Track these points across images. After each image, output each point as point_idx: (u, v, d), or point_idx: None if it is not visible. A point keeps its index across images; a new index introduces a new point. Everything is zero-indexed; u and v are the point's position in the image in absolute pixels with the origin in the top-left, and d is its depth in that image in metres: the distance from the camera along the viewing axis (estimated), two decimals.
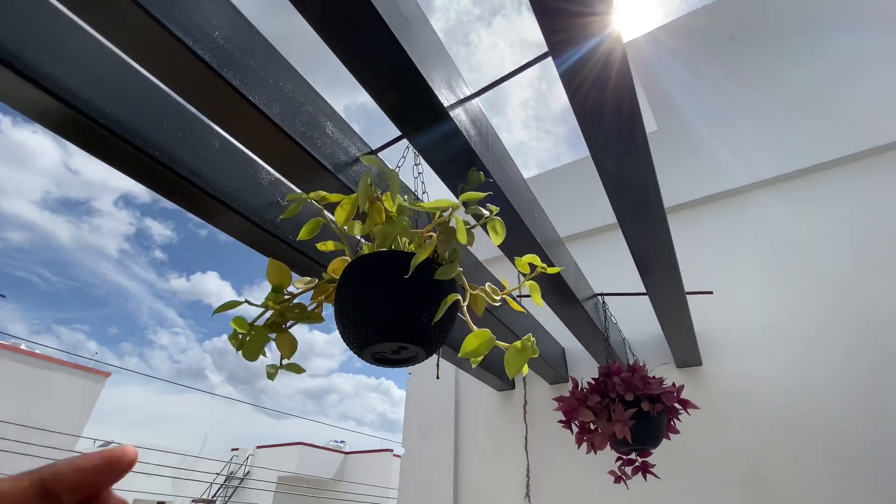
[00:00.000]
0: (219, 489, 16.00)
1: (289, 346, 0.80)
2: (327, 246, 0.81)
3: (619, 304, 2.15)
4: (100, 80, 0.87)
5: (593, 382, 1.63)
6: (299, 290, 0.83)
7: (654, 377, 1.56)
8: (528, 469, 2.44)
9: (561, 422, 1.66)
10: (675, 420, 1.59)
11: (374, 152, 1.20)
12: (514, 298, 0.78)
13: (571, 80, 0.81)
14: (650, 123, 2.98)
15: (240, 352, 0.78)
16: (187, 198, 1.10)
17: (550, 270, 0.79)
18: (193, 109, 0.94)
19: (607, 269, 2.44)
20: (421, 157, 1.01)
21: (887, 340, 1.85)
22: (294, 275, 0.87)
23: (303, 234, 0.77)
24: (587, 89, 0.84)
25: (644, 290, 1.66)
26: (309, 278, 0.84)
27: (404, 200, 0.74)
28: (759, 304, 2.14)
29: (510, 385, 2.60)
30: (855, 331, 1.92)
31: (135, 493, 15.26)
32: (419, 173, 1.01)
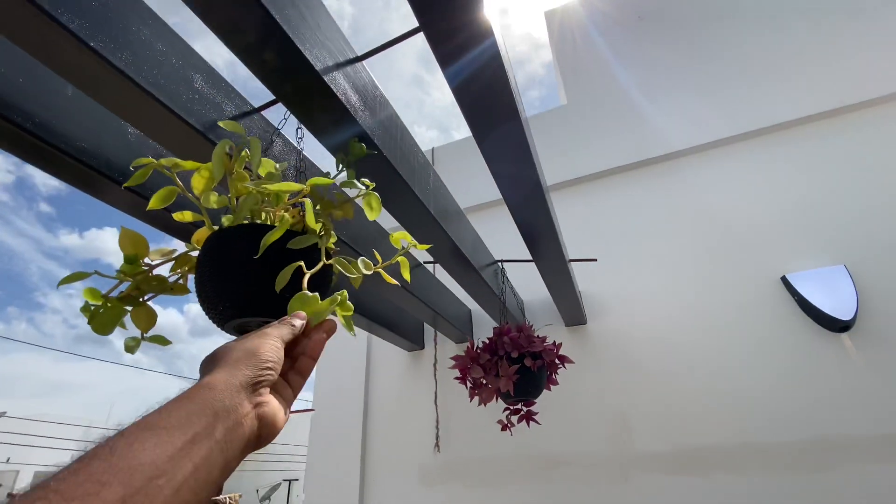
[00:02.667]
0: None
1: (146, 320, 0.77)
2: (184, 216, 0.78)
3: (521, 270, 2.29)
4: None
5: (487, 342, 1.75)
6: (157, 262, 0.80)
7: (538, 336, 1.72)
8: (437, 421, 2.59)
9: (457, 378, 1.78)
10: (555, 374, 1.77)
11: (257, 110, 1.15)
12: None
13: (449, 69, 0.83)
14: (560, 97, 3.09)
15: (90, 325, 0.74)
16: (36, 155, 0.99)
17: (420, 247, 0.83)
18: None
19: (515, 236, 2.58)
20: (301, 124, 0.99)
21: (739, 305, 2.17)
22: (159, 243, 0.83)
23: (153, 204, 0.73)
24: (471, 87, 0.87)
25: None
26: (168, 248, 0.81)
27: (250, 179, 0.72)
28: (637, 271, 2.40)
29: (420, 346, 2.71)
30: (715, 296, 2.23)
31: (35, 467, 14.09)
32: (300, 138, 0.98)
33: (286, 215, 0.70)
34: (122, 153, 1.11)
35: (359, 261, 0.80)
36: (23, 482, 14.60)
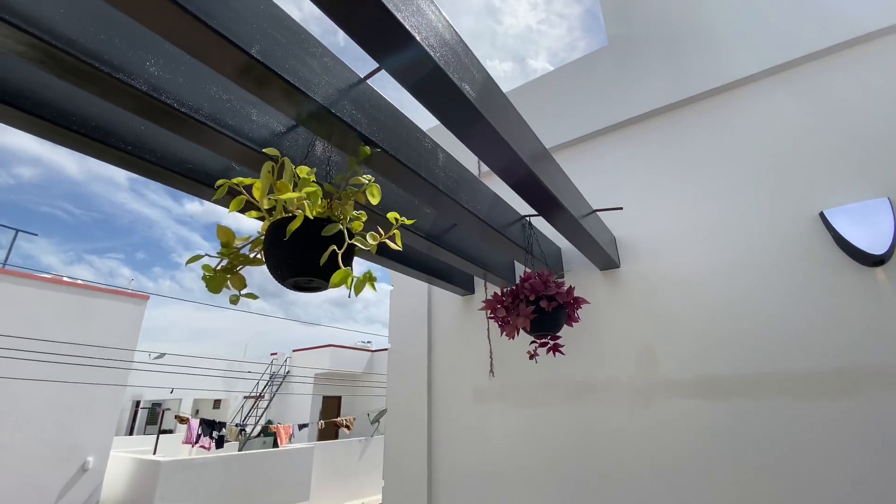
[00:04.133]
0: (265, 386, 18.45)
1: (238, 283, 1.20)
2: (252, 215, 1.18)
3: None
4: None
5: (514, 287, 2.06)
6: (241, 245, 1.21)
7: (556, 281, 1.97)
8: (490, 352, 3.00)
9: (490, 317, 2.13)
10: (575, 312, 2.03)
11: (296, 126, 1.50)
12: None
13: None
14: (601, 40, 3.01)
15: (207, 288, 1.19)
16: (158, 175, 1.45)
17: (408, 222, 1.15)
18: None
19: None
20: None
21: (773, 241, 2.19)
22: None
23: (232, 208, 1.13)
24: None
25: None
26: (247, 236, 1.22)
27: (290, 183, 1.08)
28: (675, 212, 2.47)
29: (471, 291, 3.08)
30: (750, 233, 2.26)
31: (194, 393, 17.97)
32: (329, 156, 1.32)
33: (307, 204, 1.06)
34: (214, 166, 1.54)
35: (367, 236, 1.14)
36: (185, 407, 18.88)
